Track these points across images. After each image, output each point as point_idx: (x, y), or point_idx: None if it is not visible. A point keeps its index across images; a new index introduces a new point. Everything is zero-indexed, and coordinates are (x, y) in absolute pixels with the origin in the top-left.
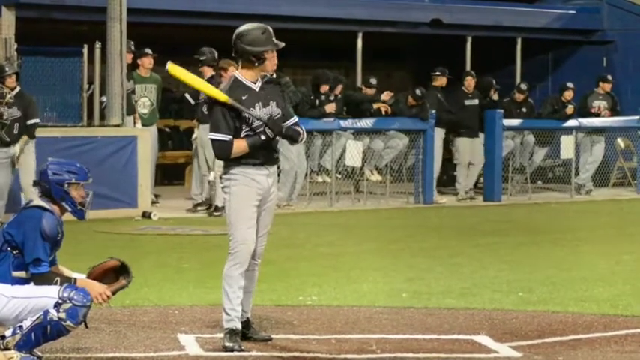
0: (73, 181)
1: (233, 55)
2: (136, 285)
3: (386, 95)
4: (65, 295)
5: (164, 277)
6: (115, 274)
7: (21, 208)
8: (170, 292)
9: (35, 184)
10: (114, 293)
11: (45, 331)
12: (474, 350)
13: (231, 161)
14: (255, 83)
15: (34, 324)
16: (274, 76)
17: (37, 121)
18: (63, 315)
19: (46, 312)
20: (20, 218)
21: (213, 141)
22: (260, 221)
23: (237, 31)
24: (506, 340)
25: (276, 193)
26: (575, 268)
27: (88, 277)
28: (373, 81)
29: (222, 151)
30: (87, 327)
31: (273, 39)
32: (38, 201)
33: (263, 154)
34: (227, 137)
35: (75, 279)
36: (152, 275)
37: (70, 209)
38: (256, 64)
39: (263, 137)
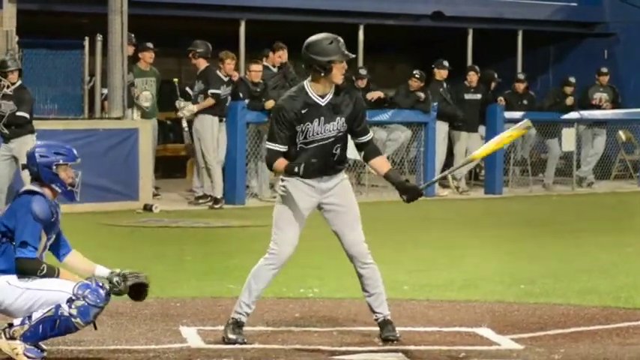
0: (61, 162)
1: (303, 66)
2: None
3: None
4: (80, 292)
5: (166, 269)
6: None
7: (13, 197)
8: (172, 285)
9: (24, 167)
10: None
11: (53, 325)
12: (476, 343)
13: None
14: (322, 97)
15: (44, 317)
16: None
17: (24, 115)
18: (74, 312)
19: (58, 306)
20: (13, 206)
21: (267, 148)
22: (333, 225)
23: (306, 41)
24: (508, 332)
25: (345, 195)
26: (577, 261)
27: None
28: (363, 72)
29: (268, 159)
30: (95, 328)
31: (343, 49)
32: (28, 186)
33: (319, 170)
34: (283, 148)
35: (58, 270)
36: (153, 268)
37: (60, 190)
38: (322, 74)
39: (296, 169)
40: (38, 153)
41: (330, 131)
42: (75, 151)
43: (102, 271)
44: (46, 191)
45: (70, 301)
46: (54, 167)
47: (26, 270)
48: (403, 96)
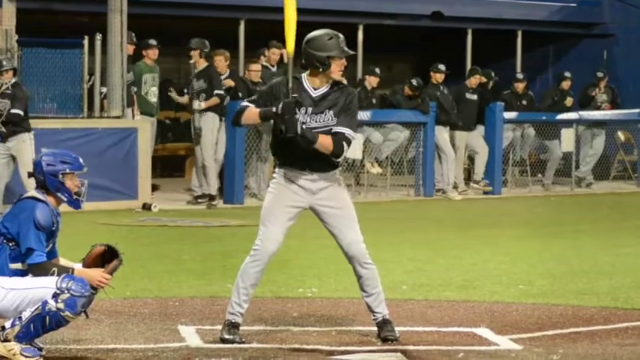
0: (67, 170)
1: (302, 61)
2: (137, 277)
3: None
4: (63, 285)
5: (164, 268)
6: (103, 258)
7: (16, 200)
8: (170, 284)
9: (30, 175)
10: (111, 274)
11: (44, 322)
12: (475, 343)
13: (276, 157)
14: (316, 90)
15: (33, 315)
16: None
17: (18, 112)
18: (61, 305)
19: (45, 303)
20: (14, 210)
21: (240, 106)
22: (329, 226)
23: (307, 36)
24: (507, 332)
25: (338, 196)
26: (576, 261)
27: (85, 259)
28: (377, 70)
29: (237, 113)
30: (87, 317)
31: (342, 46)
32: (32, 192)
33: (302, 158)
34: (245, 104)
35: (72, 269)
36: (152, 267)
37: (65, 199)
38: (321, 69)
39: (274, 109)
40: (45, 161)
41: (317, 122)
42: (81, 160)
43: (79, 266)
44: (50, 199)
45: (55, 295)
46: (60, 176)
47: (39, 274)
48: (403, 96)
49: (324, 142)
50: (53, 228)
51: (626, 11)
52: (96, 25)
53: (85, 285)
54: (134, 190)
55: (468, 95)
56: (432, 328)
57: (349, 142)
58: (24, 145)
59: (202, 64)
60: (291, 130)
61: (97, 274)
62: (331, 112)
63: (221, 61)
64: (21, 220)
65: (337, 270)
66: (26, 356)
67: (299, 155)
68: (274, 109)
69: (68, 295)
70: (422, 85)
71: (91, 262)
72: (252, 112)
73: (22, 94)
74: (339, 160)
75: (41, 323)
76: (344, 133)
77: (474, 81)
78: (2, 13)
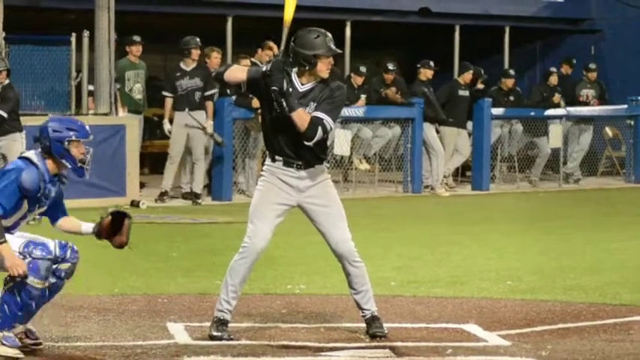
0: (73, 138)
1: (290, 59)
2: (125, 273)
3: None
4: (25, 250)
5: (153, 265)
6: (114, 226)
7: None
8: (159, 281)
9: (35, 140)
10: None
11: (15, 297)
12: (463, 339)
13: (266, 147)
14: (302, 85)
15: (2, 295)
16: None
17: (2, 114)
18: None
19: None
20: (7, 166)
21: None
22: (318, 224)
23: (295, 34)
24: (495, 328)
25: (326, 194)
26: (564, 257)
27: (99, 232)
28: (363, 69)
29: (221, 70)
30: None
31: (330, 44)
32: (29, 153)
33: (287, 153)
34: (233, 65)
35: (5, 240)
36: (141, 264)
37: (70, 166)
38: (307, 67)
39: (263, 68)
40: (51, 127)
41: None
42: (87, 127)
43: (87, 227)
44: (51, 165)
45: None
46: (66, 143)
47: None
48: (377, 92)
49: (302, 116)
50: (38, 194)
51: (613, 7)
52: (83, 22)
53: (47, 247)
54: (122, 187)
55: (461, 92)
56: (421, 325)
57: (325, 130)
58: (15, 144)
59: (195, 62)
60: (276, 84)
61: (18, 262)
62: (315, 104)
63: (217, 59)
64: (5, 171)
65: (325, 267)
66: (6, 345)
67: (287, 143)
68: (264, 68)
69: (30, 259)
70: (397, 69)
71: (104, 233)
72: (239, 69)
73: (12, 95)
74: (310, 143)
75: (13, 300)
76: (322, 119)
77: (467, 77)
78: None
